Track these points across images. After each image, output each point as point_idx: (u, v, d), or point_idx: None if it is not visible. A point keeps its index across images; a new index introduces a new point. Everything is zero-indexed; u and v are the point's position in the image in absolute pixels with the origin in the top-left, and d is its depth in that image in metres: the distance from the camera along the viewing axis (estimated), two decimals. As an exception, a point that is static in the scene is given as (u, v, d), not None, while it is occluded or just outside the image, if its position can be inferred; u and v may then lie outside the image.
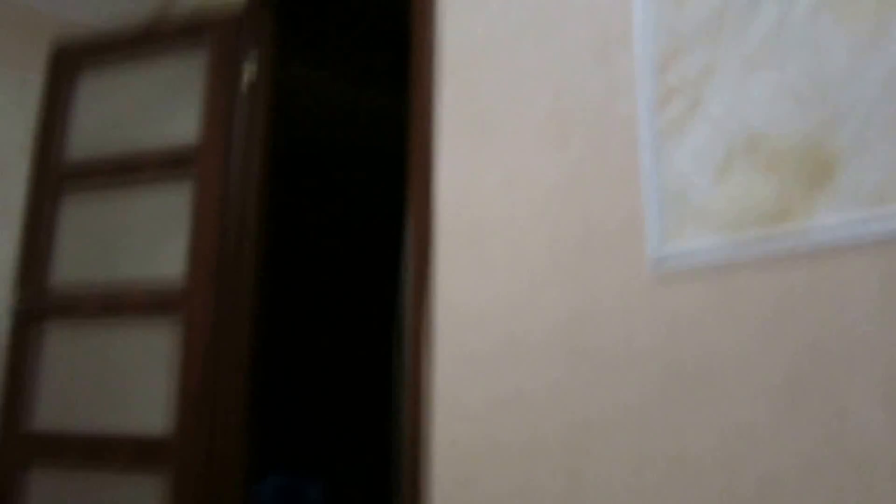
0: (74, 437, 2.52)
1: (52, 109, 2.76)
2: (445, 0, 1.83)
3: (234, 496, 2.43)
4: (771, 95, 1.19)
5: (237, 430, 2.47)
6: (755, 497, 1.14)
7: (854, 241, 1.09)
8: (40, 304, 2.67)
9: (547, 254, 1.50)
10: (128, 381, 2.52)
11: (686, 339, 1.26)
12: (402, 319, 3.01)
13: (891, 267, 1.05)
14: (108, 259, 2.59)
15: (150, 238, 2.54)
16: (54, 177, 2.71)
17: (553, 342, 1.46)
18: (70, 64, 2.79)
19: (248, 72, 2.47)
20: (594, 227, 1.43)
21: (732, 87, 1.25)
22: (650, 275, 1.33)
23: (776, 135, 1.18)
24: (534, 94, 1.59)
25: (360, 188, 3.98)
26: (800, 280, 1.14)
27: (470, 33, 1.75)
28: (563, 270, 1.47)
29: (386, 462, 3.47)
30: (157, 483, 2.51)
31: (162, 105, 2.60)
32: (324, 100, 3.53)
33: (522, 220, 1.56)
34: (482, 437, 1.55)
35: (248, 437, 2.49)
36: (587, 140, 1.47)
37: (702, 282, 1.26)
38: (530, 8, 1.63)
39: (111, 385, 2.53)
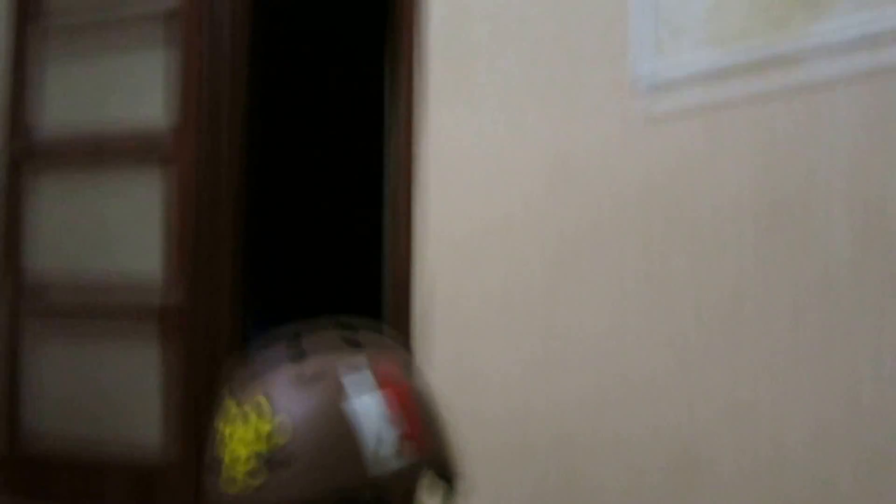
0: (67, 284, 2.60)
1: None
2: None
3: (229, 354, 2.55)
4: None
5: (228, 276, 2.52)
6: (727, 309, 1.21)
7: (841, 75, 1.09)
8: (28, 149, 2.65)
9: (529, 90, 1.52)
10: (118, 231, 2.54)
11: (667, 164, 1.29)
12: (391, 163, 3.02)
13: (863, 97, 1.07)
14: (93, 107, 2.53)
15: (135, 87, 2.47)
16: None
17: (538, 175, 1.50)
18: None
19: None
20: (580, 58, 1.44)
21: None
22: (637, 112, 1.34)
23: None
24: None
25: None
26: (778, 109, 1.15)
27: None
28: (549, 106, 1.49)
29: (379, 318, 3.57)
30: (154, 345, 2.62)
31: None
32: None
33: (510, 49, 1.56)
34: (466, 261, 1.62)
35: (241, 285, 2.55)
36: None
37: (689, 120, 1.27)
38: None
39: (102, 235, 2.56)
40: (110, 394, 2.74)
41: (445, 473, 0.95)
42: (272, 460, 0.84)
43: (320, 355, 0.91)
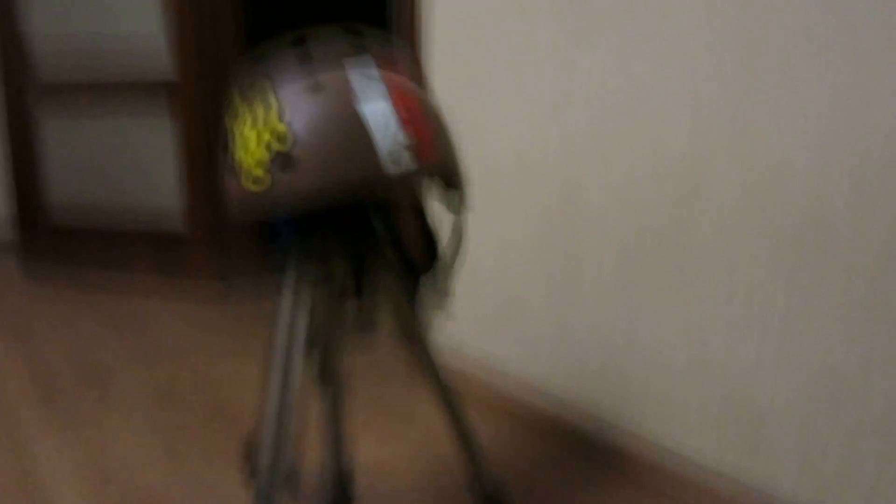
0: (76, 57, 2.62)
1: None
2: None
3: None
4: None
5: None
6: (735, 30, 1.19)
7: None
8: None
9: None
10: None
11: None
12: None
13: None
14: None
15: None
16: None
17: None
18: None
19: None
20: None
21: None
22: None
23: None
24: None
25: None
26: None
27: None
28: None
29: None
30: (166, 117, 2.63)
31: None
32: None
33: None
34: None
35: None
36: None
37: None
38: None
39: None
40: (128, 167, 2.84)
41: (453, 181, 0.95)
42: (287, 155, 0.84)
43: (329, 59, 0.90)
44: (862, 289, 1.11)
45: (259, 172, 0.86)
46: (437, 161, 0.91)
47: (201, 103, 2.58)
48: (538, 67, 1.56)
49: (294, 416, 0.97)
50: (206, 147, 2.65)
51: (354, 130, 0.84)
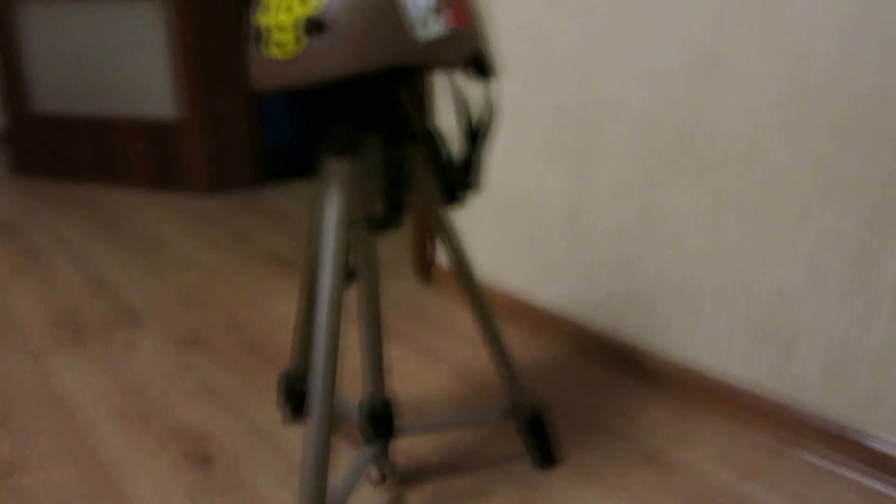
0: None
1: None
2: None
3: (239, 20, 2.54)
4: None
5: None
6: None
7: None
8: None
9: None
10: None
11: None
12: None
13: None
14: None
15: None
16: None
17: None
18: None
19: None
20: None
21: None
22: None
23: None
24: None
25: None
26: None
27: None
28: None
29: None
30: (159, 10, 2.54)
31: None
32: None
33: None
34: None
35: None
36: None
37: None
38: None
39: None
40: (117, 56, 2.74)
41: (481, 52, 0.93)
42: (318, 21, 0.81)
43: None
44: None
45: (288, 37, 0.82)
46: (469, 27, 0.89)
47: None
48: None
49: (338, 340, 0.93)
50: (197, 29, 2.54)
51: None
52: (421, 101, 1.56)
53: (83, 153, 2.95)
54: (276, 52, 0.84)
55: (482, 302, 1.14)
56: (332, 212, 0.94)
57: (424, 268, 2.10)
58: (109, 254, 2.31)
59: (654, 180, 1.43)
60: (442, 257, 2.05)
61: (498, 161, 1.76)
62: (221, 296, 2.02)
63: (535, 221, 1.72)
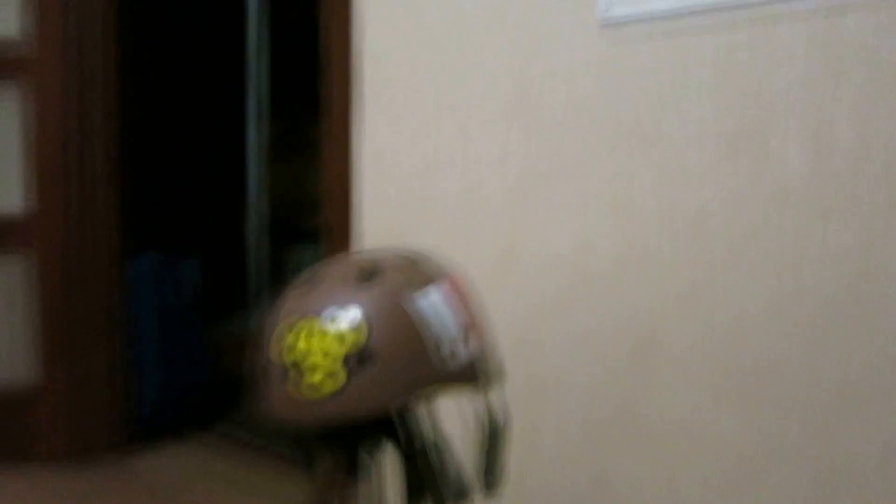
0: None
1: None
2: None
3: (109, 274, 2.36)
4: None
5: (106, 205, 2.33)
6: (688, 230, 1.30)
7: (787, 10, 1.19)
8: None
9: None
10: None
11: (633, 92, 1.35)
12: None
13: (816, 33, 1.17)
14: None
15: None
16: None
17: (496, 104, 1.51)
18: None
19: None
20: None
21: None
22: (599, 33, 1.37)
23: None
24: None
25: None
26: (741, 41, 1.24)
27: None
28: (508, 26, 1.48)
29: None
30: (19, 263, 2.35)
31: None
32: None
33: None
34: (415, 194, 1.63)
35: (120, 214, 2.36)
36: None
37: (651, 42, 1.32)
38: None
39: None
40: None
41: (492, 364, 0.97)
42: (363, 355, 0.84)
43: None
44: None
45: (323, 377, 0.84)
46: (484, 342, 0.94)
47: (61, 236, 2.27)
48: (487, 246, 1.54)
49: None
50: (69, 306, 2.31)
51: (417, 328, 0.86)
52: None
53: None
54: (308, 393, 0.85)
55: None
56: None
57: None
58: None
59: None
60: None
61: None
62: None
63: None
